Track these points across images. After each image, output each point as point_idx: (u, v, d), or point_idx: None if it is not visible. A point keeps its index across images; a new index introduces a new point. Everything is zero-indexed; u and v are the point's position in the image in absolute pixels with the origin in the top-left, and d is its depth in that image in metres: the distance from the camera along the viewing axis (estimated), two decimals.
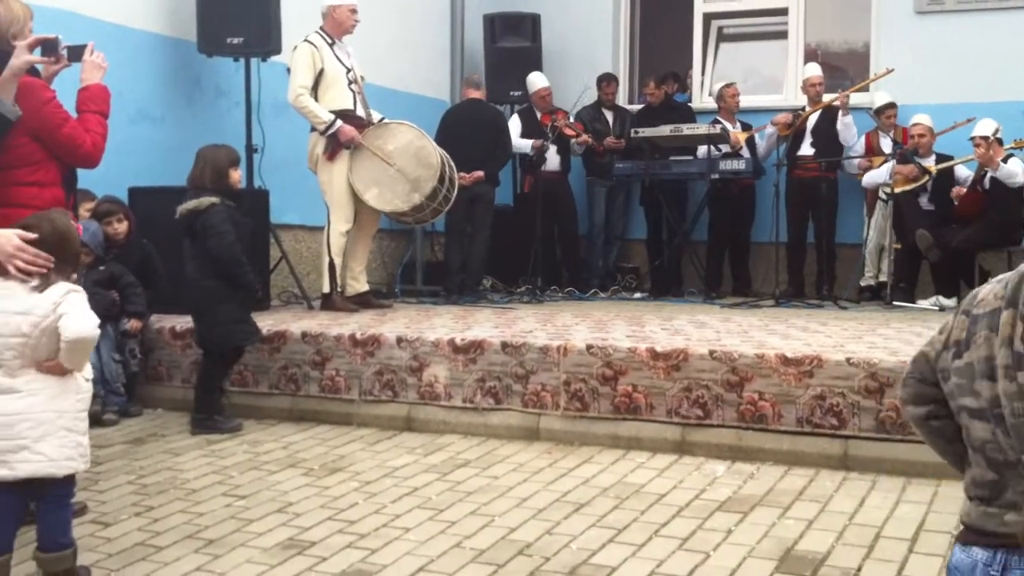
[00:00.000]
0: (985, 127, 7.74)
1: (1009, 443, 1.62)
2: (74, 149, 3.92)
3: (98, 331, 3.11)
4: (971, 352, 1.69)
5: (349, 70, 6.97)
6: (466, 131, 8.03)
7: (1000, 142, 7.74)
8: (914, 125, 8.30)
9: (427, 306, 7.65)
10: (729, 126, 8.95)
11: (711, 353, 4.95)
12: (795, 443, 4.70)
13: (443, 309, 7.35)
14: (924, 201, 8.26)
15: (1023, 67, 8.66)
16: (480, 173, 7.94)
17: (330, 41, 6.93)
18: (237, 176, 5.43)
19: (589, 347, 5.15)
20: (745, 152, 8.92)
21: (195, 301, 5.39)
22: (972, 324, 1.71)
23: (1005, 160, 7.73)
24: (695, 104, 9.98)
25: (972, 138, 7.80)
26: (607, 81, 9.55)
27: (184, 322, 5.84)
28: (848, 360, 4.71)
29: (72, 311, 3.02)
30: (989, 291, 1.72)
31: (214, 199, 5.20)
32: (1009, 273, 1.72)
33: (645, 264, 9.63)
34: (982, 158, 7.69)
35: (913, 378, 1.91)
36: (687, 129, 8.56)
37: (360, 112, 7.01)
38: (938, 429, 1.88)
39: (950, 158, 8.24)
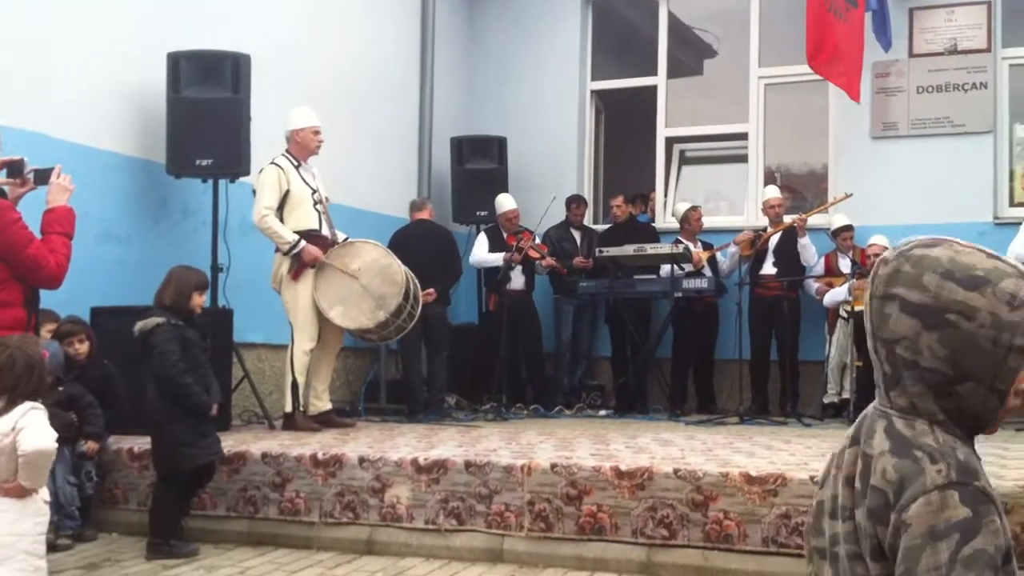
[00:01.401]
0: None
1: None
2: (38, 270, 3.93)
3: (55, 445, 3.08)
4: (824, 490, 1.66)
5: (315, 191, 7.07)
6: (416, 251, 8.10)
7: None
8: (871, 246, 8.49)
9: (391, 424, 7.59)
10: (691, 246, 9.10)
11: (676, 472, 4.93)
12: (761, 563, 4.66)
13: (407, 428, 7.30)
14: None
15: (976, 190, 8.93)
16: (432, 291, 7.92)
17: (296, 163, 7.04)
18: (200, 301, 5.45)
19: (553, 466, 5.12)
20: (707, 271, 9.07)
21: (149, 421, 5.35)
22: (833, 461, 1.67)
23: None
24: (658, 224, 10.17)
25: None
26: (576, 203, 9.73)
27: (143, 443, 5.75)
28: (812, 479, 4.70)
29: (30, 426, 3.00)
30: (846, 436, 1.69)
31: (159, 319, 5.20)
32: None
33: (610, 381, 9.65)
34: None
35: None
36: (650, 249, 8.71)
37: (325, 232, 7.08)
38: None
39: None
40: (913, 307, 1.50)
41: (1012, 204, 9.03)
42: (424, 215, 8.61)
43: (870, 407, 1.64)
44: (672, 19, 10.59)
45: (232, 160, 7.13)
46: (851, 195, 8.75)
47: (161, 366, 5.17)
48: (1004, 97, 9.13)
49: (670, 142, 10.55)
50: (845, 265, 8.69)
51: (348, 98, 9.07)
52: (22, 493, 3.01)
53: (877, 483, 1.50)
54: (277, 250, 6.99)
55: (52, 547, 5.08)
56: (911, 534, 1.43)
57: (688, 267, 8.86)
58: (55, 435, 3.08)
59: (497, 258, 9.05)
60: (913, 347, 1.51)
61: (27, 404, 3.05)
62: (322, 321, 7.04)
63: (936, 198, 8.94)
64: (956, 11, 9.15)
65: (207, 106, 7.08)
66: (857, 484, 1.54)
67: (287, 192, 6.91)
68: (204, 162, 7.08)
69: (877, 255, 8.29)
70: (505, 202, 9.46)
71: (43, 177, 4.15)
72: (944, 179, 8.99)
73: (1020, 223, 8.13)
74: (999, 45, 9.11)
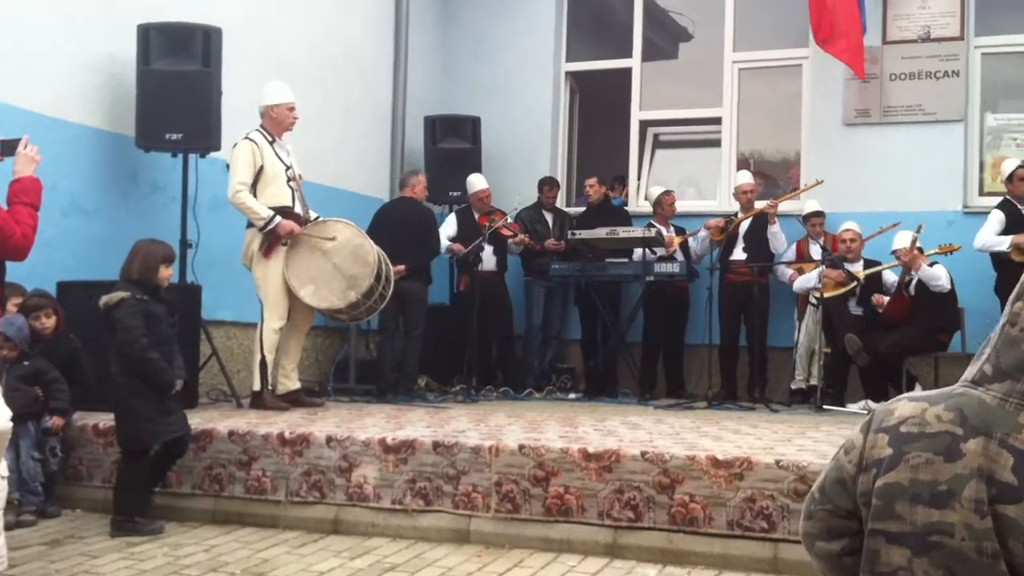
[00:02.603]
0: (902, 239, 8.02)
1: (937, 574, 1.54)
2: (3, 241, 3.88)
3: (10, 424, 3.04)
4: (900, 472, 1.59)
5: (288, 167, 7.01)
6: (393, 228, 8.08)
7: (920, 249, 7.99)
8: (844, 231, 8.53)
9: (360, 405, 7.57)
10: (663, 230, 9.11)
11: (643, 454, 4.94)
12: (726, 546, 4.69)
13: (376, 408, 7.29)
14: (853, 306, 8.44)
15: (947, 177, 8.98)
16: (401, 267, 7.88)
17: (270, 139, 6.98)
18: (167, 273, 5.39)
19: (521, 447, 5.12)
20: (679, 255, 9.09)
21: (114, 396, 5.30)
22: (899, 442, 1.61)
23: (930, 265, 7.96)
24: (631, 208, 10.16)
25: (894, 251, 8.06)
26: (548, 185, 9.71)
27: (108, 419, 5.71)
28: (777, 463, 4.73)
29: None
30: (919, 410, 1.63)
31: (124, 293, 5.16)
32: (939, 393, 1.65)
33: (580, 365, 9.66)
34: (905, 256, 7.92)
35: (825, 510, 1.73)
36: (623, 232, 8.71)
37: (298, 209, 7.04)
38: (850, 566, 1.69)
39: (879, 264, 8.45)
40: None
41: (982, 193, 9.08)
42: (408, 192, 8.56)
43: (973, 393, 1.59)
44: (648, 2, 10.56)
45: (202, 135, 7.06)
46: (822, 182, 8.78)
47: (124, 340, 5.13)
48: (976, 86, 9.18)
49: (644, 125, 10.55)
50: (816, 251, 8.73)
51: (321, 75, 9.00)
52: None
53: None
54: (248, 226, 6.94)
55: (16, 523, 5.07)
56: None
57: (660, 251, 8.87)
58: (9, 413, 3.03)
59: (447, 246, 8.99)
60: None
61: None
62: (292, 300, 7.00)
63: (907, 186, 8.99)
64: None
65: (177, 79, 7.00)
66: (1009, 479, 1.49)
67: (261, 168, 6.85)
68: (174, 136, 7.00)
69: (851, 240, 8.38)
70: (476, 182, 9.42)
71: (10, 148, 4.09)
72: (915, 167, 9.04)
73: (988, 212, 8.20)
74: (972, 33, 9.14)
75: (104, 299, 5.19)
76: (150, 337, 5.18)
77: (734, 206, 9.24)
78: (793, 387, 8.93)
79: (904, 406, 1.65)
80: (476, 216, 9.32)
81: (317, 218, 7.21)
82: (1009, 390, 1.56)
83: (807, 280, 8.58)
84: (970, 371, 1.64)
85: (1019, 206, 8.07)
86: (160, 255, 5.35)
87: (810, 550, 1.77)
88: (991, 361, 1.60)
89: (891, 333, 8.04)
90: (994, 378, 1.58)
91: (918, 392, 1.68)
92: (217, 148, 7.15)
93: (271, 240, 6.87)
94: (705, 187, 10.44)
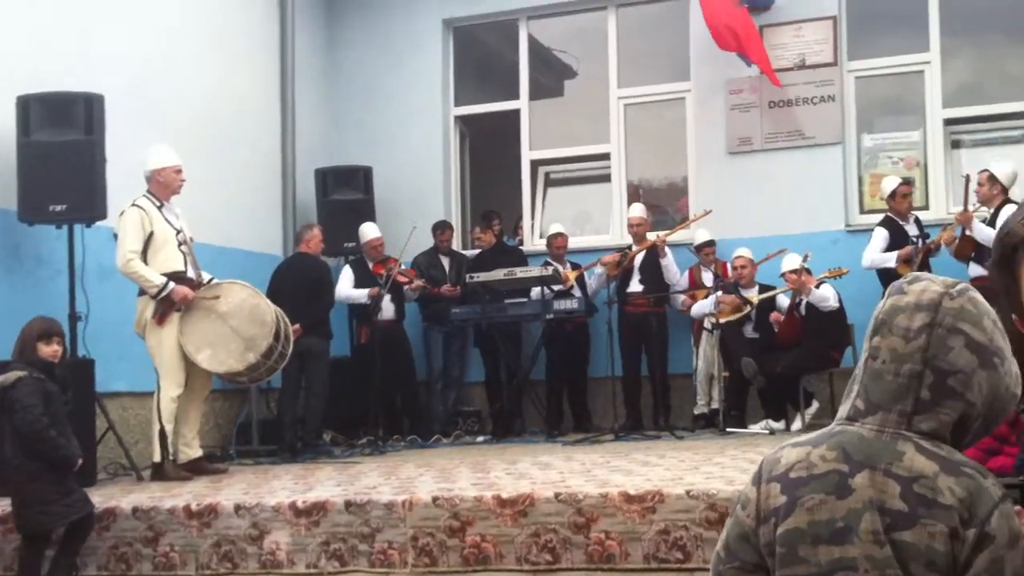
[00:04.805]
0: (791, 262, 8.28)
1: None
2: None
3: None
4: (797, 517, 1.63)
5: (179, 231, 6.91)
6: (291, 286, 8.09)
7: (808, 271, 8.25)
8: (736, 258, 8.75)
9: (265, 467, 7.45)
10: (559, 267, 9.21)
11: (556, 496, 4.96)
12: None
13: (282, 469, 7.17)
14: (748, 330, 8.65)
15: (829, 199, 9.27)
16: (297, 326, 7.80)
17: (158, 204, 6.88)
18: (49, 351, 5.29)
19: (435, 499, 5.09)
20: (576, 291, 9.20)
21: (10, 481, 5.14)
22: (791, 488, 1.65)
23: (818, 286, 8.22)
24: (526, 247, 10.25)
25: (783, 274, 8.31)
26: (442, 228, 9.75)
27: (4, 505, 5.50)
28: (688, 493, 4.80)
29: None
30: (804, 454, 1.68)
31: (20, 373, 5.05)
32: (818, 434, 1.70)
33: (485, 406, 9.67)
34: (795, 283, 8.18)
35: (732, 567, 1.73)
36: (520, 272, 8.78)
37: (191, 273, 6.93)
38: None
39: (771, 288, 8.68)
40: (975, 345, 1.60)
41: (863, 211, 9.40)
42: (303, 247, 8.57)
43: (850, 430, 1.66)
44: (532, 41, 10.72)
45: (87, 204, 6.90)
46: (710, 211, 8.99)
47: (24, 420, 5.00)
48: (851, 109, 9.51)
49: (535, 165, 10.66)
50: (708, 278, 8.91)
51: (207, 134, 8.88)
52: None
53: (948, 502, 1.54)
54: (140, 294, 6.81)
55: None
56: (997, 545, 1.52)
57: (558, 287, 8.96)
58: None
59: (362, 294, 9.02)
60: (966, 381, 1.60)
61: None
62: (189, 365, 6.87)
63: (792, 209, 9.23)
64: (804, 27, 9.50)
65: (59, 149, 6.85)
66: (899, 506, 1.56)
67: (151, 234, 6.75)
68: (58, 207, 6.83)
69: (743, 266, 8.59)
70: (368, 231, 9.41)
71: None
72: (799, 190, 9.30)
73: (871, 229, 8.50)
74: (845, 58, 9.49)
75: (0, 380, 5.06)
76: (48, 416, 5.06)
77: (628, 239, 9.39)
78: (696, 412, 9.08)
79: (789, 452, 1.70)
80: (371, 265, 9.31)
81: (211, 280, 7.11)
82: (883, 421, 1.64)
83: (703, 306, 8.76)
84: (843, 409, 1.72)
85: (901, 222, 8.38)
86: (36, 331, 5.27)
87: None
88: (861, 396, 1.68)
89: (786, 354, 8.26)
90: (867, 412, 1.65)
91: (800, 437, 1.74)
92: (103, 217, 7.00)
93: (165, 307, 6.75)
94: (599, 222, 10.59)
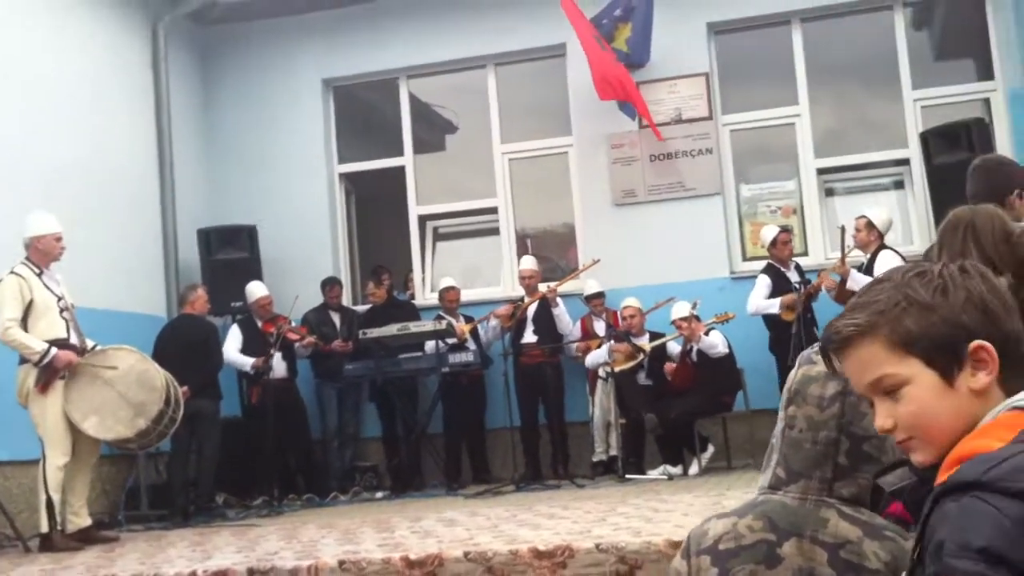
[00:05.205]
0: (680, 310, 8.49)
1: None
2: None
3: None
4: None
5: (60, 298, 6.70)
6: (177, 348, 7.97)
7: (698, 318, 8.44)
8: (624, 307, 8.90)
9: (158, 533, 7.19)
10: (453, 320, 9.22)
11: (466, 555, 4.90)
12: None
13: (176, 535, 6.93)
14: (642, 377, 8.78)
15: (712, 247, 9.52)
16: (186, 388, 7.63)
17: (38, 271, 6.67)
18: None
19: (342, 563, 4.97)
20: (471, 344, 9.21)
21: None
22: (722, 560, 1.68)
23: (707, 333, 8.41)
24: (418, 301, 10.23)
25: (673, 321, 8.50)
26: (331, 285, 9.67)
27: None
28: (598, 546, 4.81)
29: None
30: (731, 525, 1.70)
31: None
32: (743, 505, 1.73)
33: (383, 461, 9.57)
34: (685, 331, 8.37)
35: None
36: (414, 327, 8.77)
37: (74, 339, 6.71)
38: None
39: (661, 335, 8.84)
40: None
41: (745, 259, 9.69)
42: (188, 308, 8.46)
43: (774, 499, 1.68)
44: (413, 99, 10.77)
45: None
46: (599, 261, 9.14)
47: None
48: (728, 160, 9.83)
49: (423, 219, 10.67)
50: (601, 327, 9.03)
51: (85, 199, 8.61)
52: None
53: (874, 566, 1.57)
54: (22, 362, 6.56)
55: None
56: None
57: (452, 341, 8.96)
58: None
59: (247, 362, 8.87)
60: (880, 446, 1.63)
61: None
62: (75, 433, 6.63)
63: (678, 258, 9.44)
64: (678, 83, 9.80)
65: None
66: (828, 573, 1.59)
67: (31, 302, 6.53)
68: None
69: (632, 316, 8.74)
70: (256, 290, 9.28)
71: None
72: (683, 240, 9.52)
73: (755, 276, 8.76)
74: (719, 112, 9.82)
75: None
76: None
77: (519, 291, 9.46)
78: (595, 459, 9.15)
79: (715, 524, 1.73)
80: (260, 324, 9.16)
81: (95, 347, 6.89)
82: (805, 488, 1.68)
83: (598, 356, 8.87)
84: (764, 478, 1.76)
85: (782, 269, 8.67)
86: None
87: None
88: (782, 464, 1.72)
89: (680, 399, 8.41)
90: (789, 480, 1.70)
91: (724, 507, 1.79)
92: None
93: (48, 374, 6.52)
94: (489, 274, 10.64)
